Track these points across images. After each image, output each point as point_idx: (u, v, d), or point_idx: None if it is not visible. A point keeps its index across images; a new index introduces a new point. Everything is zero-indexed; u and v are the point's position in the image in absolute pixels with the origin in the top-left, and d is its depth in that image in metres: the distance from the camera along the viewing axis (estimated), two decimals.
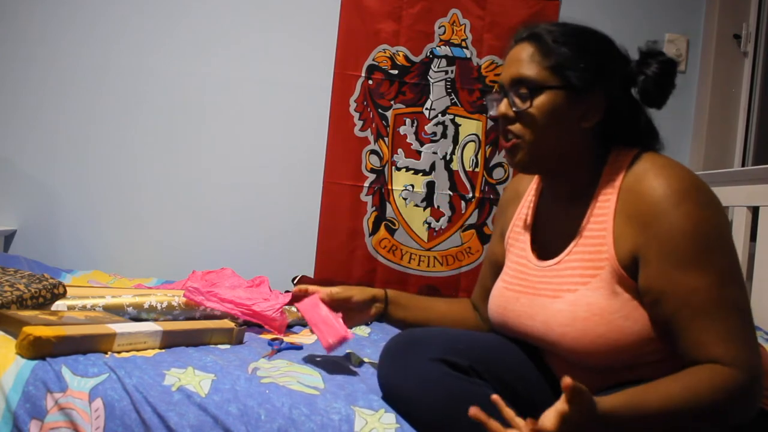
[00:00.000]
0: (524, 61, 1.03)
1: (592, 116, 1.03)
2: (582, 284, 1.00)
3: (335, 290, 1.24)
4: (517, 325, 1.10)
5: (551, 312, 1.02)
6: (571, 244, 1.04)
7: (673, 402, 0.86)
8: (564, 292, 1.02)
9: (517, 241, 1.18)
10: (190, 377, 1.15)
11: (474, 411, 0.82)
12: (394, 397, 1.08)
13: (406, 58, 2.40)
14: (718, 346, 0.88)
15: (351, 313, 1.26)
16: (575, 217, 1.05)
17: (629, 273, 0.96)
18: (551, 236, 1.11)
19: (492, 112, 1.09)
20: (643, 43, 1.07)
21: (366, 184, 2.41)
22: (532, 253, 1.13)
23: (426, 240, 2.43)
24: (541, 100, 1.01)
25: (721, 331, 0.89)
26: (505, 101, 1.04)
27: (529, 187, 1.23)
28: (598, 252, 0.99)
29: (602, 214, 1.00)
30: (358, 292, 1.25)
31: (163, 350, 1.30)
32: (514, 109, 1.03)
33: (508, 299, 1.13)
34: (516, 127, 1.03)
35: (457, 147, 2.43)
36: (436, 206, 2.43)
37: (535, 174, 1.16)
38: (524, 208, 1.21)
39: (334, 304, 1.23)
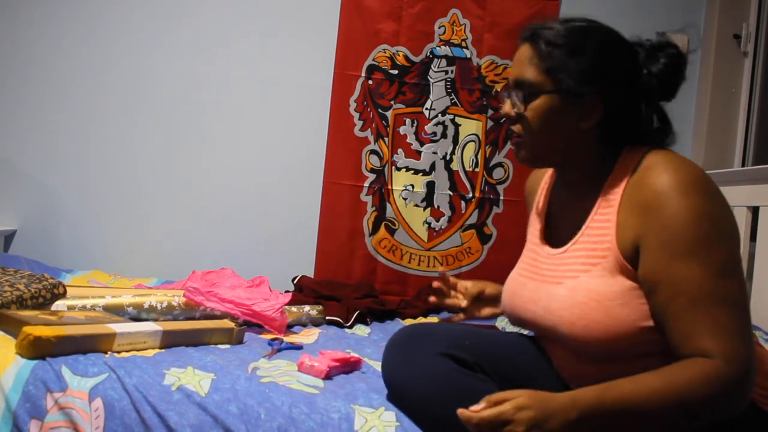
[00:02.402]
0: (524, 63, 1.05)
1: (590, 117, 1.03)
2: (584, 271, 1.01)
3: (469, 285, 1.32)
4: (523, 311, 1.12)
5: (553, 297, 1.04)
6: (578, 234, 1.05)
7: (646, 392, 0.87)
8: (566, 279, 1.03)
9: (534, 228, 1.20)
10: (190, 377, 1.15)
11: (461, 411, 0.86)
12: (398, 390, 1.08)
13: (406, 58, 2.40)
14: (707, 339, 0.88)
15: (482, 304, 1.32)
16: (584, 208, 1.06)
17: (631, 262, 0.97)
18: (562, 225, 1.13)
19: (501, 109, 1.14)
20: (653, 37, 1.07)
21: (366, 184, 2.41)
22: (543, 240, 1.15)
23: (426, 240, 2.43)
24: (536, 103, 1.03)
25: (711, 324, 0.89)
26: (508, 101, 1.07)
27: (544, 179, 1.25)
28: (601, 241, 1.00)
29: (609, 206, 1.02)
30: (489, 286, 1.32)
31: (163, 350, 1.31)
32: (515, 110, 1.06)
33: (519, 284, 1.15)
34: (517, 127, 1.07)
35: (457, 147, 2.43)
36: (436, 206, 2.43)
37: (540, 167, 1.21)
38: (540, 198, 1.23)
39: (468, 297, 1.30)
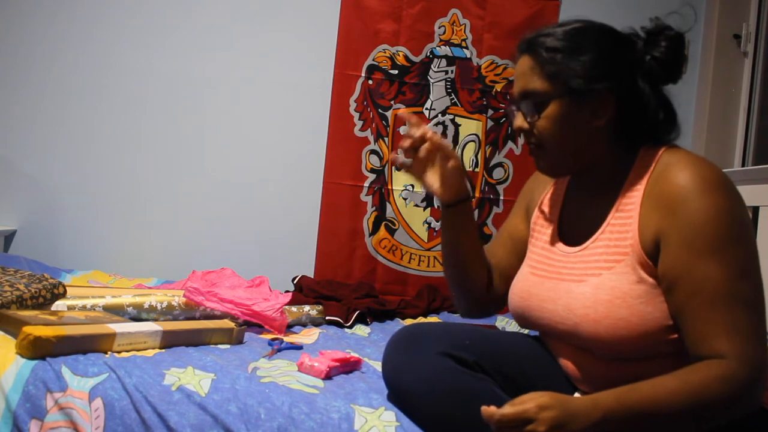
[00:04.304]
0: (526, 74, 1.06)
1: (602, 113, 1.03)
2: (606, 269, 1.01)
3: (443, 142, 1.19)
4: (538, 310, 1.11)
5: (574, 295, 1.03)
6: (598, 231, 1.05)
7: (665, 394, 0.88)
8: (588, 276, 1.03)
9: (544, 227, 1.19)
10: (190, 377, 1.15)
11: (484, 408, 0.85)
12: (398, 390, 1.08)
13: (406, 58, 2.40)
14: (723, 339, 0.89)
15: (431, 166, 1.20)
16: (603, 206, 1.06)
17: (652, 259, 0.97)
18: (578, 224, 1.12)
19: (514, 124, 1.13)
20: (648, 22, 1.07)
21: (366, 184, 2.41)
22: (558, 239, 1.14)
23: (426, 240, 2.43)
24: (548, 111, 1.03)
25: (727, 324, 0.89)
26: (519, 115, 1.08)
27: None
28: (623, 238, 1.00)
29: (630, 203, 1.02)
30: (456, 161, 1.18)
31: (163, 350, 1.31)
32: (528, 120, 1.06)
33: (533, 283, 1.13)
34: (534, 138, 1.07)
35: (457, 147, 2.43)
36: (436, 206, 2.43)
37: (563, 176, 1.18)
38: (552, 195, 1.22)
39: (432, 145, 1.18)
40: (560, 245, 1.12)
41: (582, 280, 1.04)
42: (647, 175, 1.01)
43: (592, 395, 0.90)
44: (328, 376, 1.22)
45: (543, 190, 1.24)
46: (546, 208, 1.21)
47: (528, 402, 0.85)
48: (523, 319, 1.17)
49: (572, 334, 1.04)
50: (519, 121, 1.08)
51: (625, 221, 1.01)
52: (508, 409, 0.85)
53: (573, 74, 1.01)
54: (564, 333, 1.06)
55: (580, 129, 1.04)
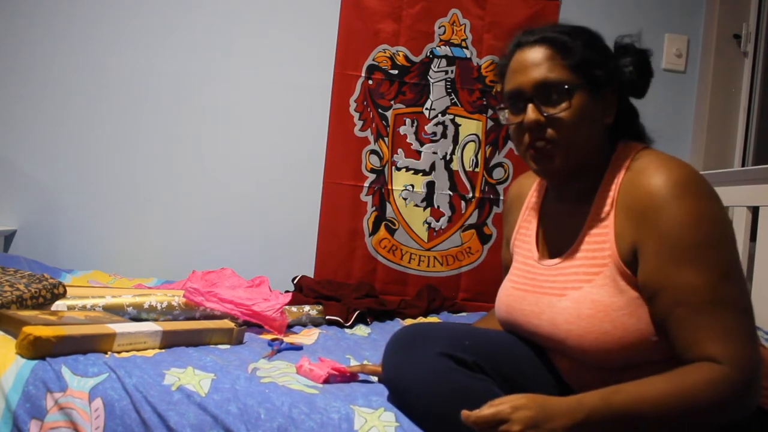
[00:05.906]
0: (543, 64, 1.01)
1: (610, 112, 1.04)
2: (586, 282, 1.00)
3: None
4: (524, 324, 1.11)
5: (557, 310, 1.02)
6: (575, 243, 1.04)
7: (653, 395, 0.86)
8: (569, 290, 1.02)
9: (523, 242, 1.19)
10: (190, 377, 1.15)
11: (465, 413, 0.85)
12: (397, 389, 1.08)
13: (406, 58, 2.40)
14: (713, 344, 0.88)
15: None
16: (578, 217, 1.05)
17: (631, 268, 0.96)
18: (556, 236, 1.11)
19: (503, 121, 1.08)
20: (620, 38, 1.08)
21: (366, 184, 2.41)
22: (537, 252, 1.14)
23: (426, 240, 2.43)
24: (573, 101, 1.00)
25: (716, 329, 0.88)
26: (531, 107, 1.01)
27: (531, 188, 1.24)
28: (600, 249, 0.99)
29: (604, 212, 1.01)
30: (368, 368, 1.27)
31: (163, 350, 1.31)
32: (545, 114, 1.01)
33: (516, 298, 1.13)
34: (549, 133, 1.01)
35: (457, 147, 2.43)
36: (436, 206, 2.43)
37: (565, 179, 1.09)
38: (528, 209, 1.21)
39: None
40: (540, 258, 1.12)
41: (563, 294, 1.03)
42: (619, 180, 0.99)
43: (578, 395, 0.89)
44: (326, 382, 1.22)
45: (518, 211, 1.24)
46: (525, 224, 1.20)
47: (504, 403, 0.85)
48: (511, 330, 1.17)
49: (560, 346, 1.04)
50: (533, 114, 1.01)
51: (601, 231, 1.00)
52: (485, 410, 0.84)
53: (597, 66, 1.01)
54: (552, 345, 1.06)
55: (595, 124, 1.03)
